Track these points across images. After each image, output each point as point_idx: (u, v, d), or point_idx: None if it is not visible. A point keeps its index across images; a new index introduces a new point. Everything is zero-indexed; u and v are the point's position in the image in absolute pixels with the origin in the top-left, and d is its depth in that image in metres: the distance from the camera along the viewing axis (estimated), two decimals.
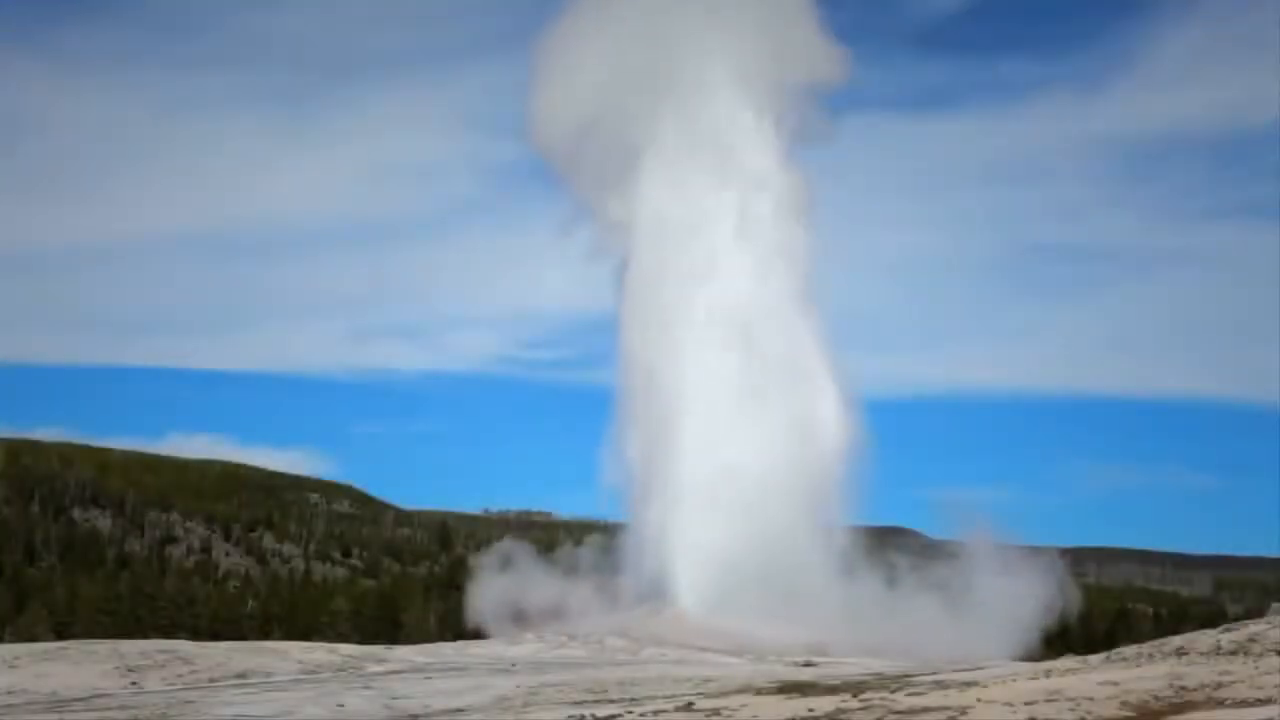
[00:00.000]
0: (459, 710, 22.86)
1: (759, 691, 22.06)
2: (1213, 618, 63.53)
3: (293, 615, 68.81)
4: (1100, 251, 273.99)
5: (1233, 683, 17.53)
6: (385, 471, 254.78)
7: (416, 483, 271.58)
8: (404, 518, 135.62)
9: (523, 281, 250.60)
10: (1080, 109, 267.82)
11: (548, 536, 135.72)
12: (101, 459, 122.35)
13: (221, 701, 24.79)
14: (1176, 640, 22.93)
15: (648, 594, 46.76)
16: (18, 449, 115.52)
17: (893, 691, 19.64)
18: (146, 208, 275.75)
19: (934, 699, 18.34)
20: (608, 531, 55.68)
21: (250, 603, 74.20)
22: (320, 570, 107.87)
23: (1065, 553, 63.60)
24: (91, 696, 26.71)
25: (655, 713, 19.26)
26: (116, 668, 30.23)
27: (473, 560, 64.46)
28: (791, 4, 52.99)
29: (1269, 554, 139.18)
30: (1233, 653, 20.06)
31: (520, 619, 48.24)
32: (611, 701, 22.46)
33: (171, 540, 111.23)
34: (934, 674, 24.60)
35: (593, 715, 19.51)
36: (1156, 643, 23.19)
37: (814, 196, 53.70)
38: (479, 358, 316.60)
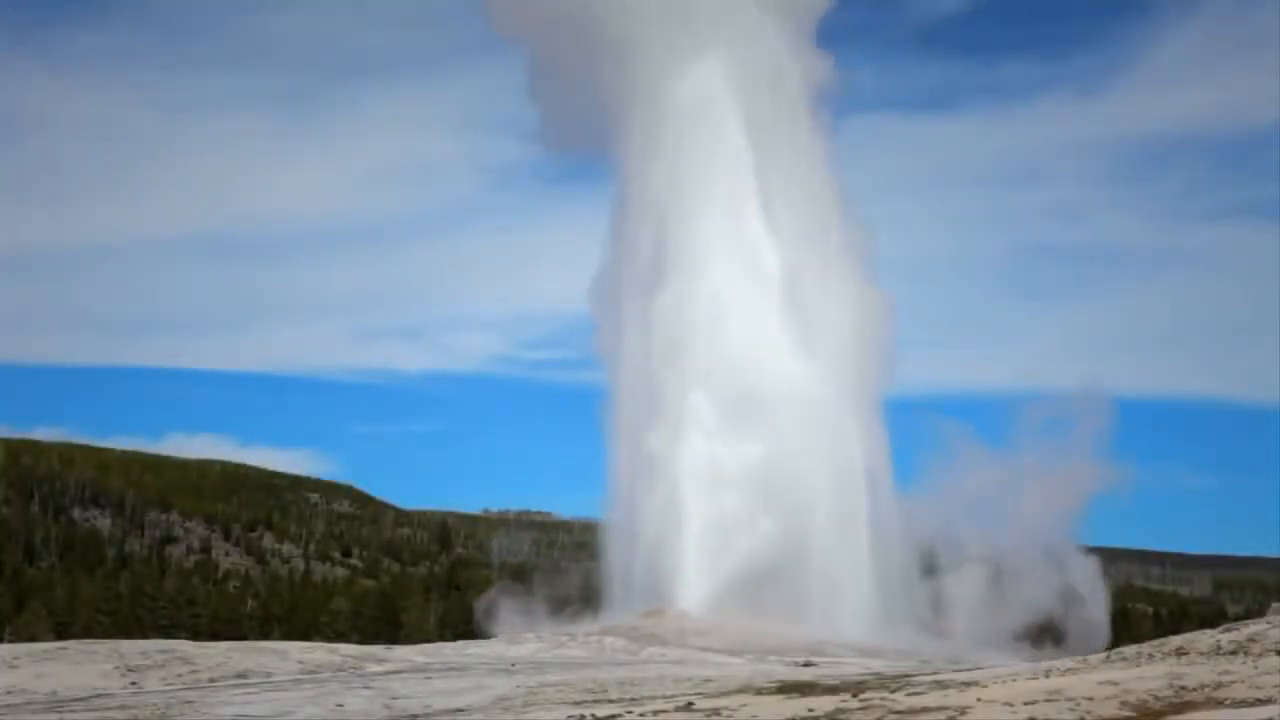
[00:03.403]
0: (459, 710, 22.84)
1: (759, 691, 22.05)
2: (1213, 618, 63.54)
3: (293, 615, 68.88)
4: (1100, 252, 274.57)
5: (1233, 683, 17.51)
6: (385, 471, 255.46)
7: (416, 483, 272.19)
8: (404, 518, 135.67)
9: (523, 281, 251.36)
10: (1081, 110, 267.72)
11: (547, 537, 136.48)
12: (101, 459, 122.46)
13: (221, 701, 24.78)
14: (1176, 640, 22.87)
15: (645, 593, 46.72)
16: (18, 449, 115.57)
17: (893, 691, 19.63)
18: (146, 208, 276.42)
19: (934, 699, 18.33)
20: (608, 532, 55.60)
21: (250, 603, 74.26)
22: (320, 570, 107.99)
23: None
24: (91, 696, 26.68)
25: (655, 713, 19.25)
26: (116, 668, 30.18)
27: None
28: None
29: (1269, 554, 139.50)
30: (1233, 653, 20.03)
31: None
32: (611, 701, 22.45)
33: (171, 540, 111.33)
34: (934, 674, 24.60)
35: (593, 715, 19.50)
36: (1156, 643, 23.13)
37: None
38: (479, 358, 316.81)
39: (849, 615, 45.52)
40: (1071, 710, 16.64)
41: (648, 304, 50.10)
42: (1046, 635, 47.67)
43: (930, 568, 50.36)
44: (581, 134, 54.99)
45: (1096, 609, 49.55)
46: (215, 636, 51.19)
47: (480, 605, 55.33)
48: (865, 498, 49.36)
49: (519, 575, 70.97)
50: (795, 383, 49.24)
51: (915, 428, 56.33)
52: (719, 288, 50.00)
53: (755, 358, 49.20)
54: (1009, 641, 45.61)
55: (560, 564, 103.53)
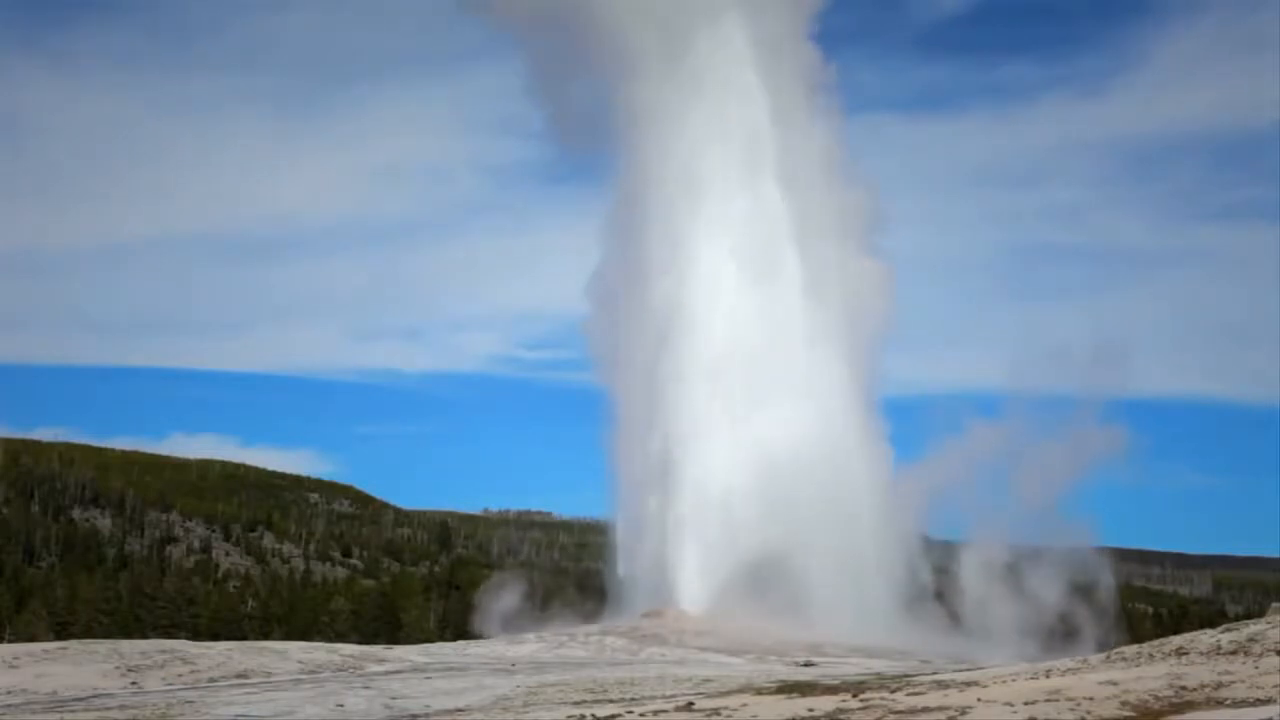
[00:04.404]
0: (459, 710, 22.84)
1: (759, 691, 22.05)
2: (1213, 618, 63.51)
3: (293, 615, 68.84)
4: (1101, 252, 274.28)
5: (1233, 683, 17.51)
6: (385, 471, 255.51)
7: (416, 483, 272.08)
8: (404, 518, 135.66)
9: (523, 281, 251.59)
10: (1082, 111, 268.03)
11: (548, 537, 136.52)
12: (101, 459, 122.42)
13: (221, 701, 24.78)
14: (1176, 640, 22.87)
15: (647, 593, 46.71)
16: (18, 449, 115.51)
17: (893, 691, 19.62)
18: (148, 209, 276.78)
19: (934, 699, 18.32)
20: (608, 531, 55.62)
21: (250, 603, 74.20)
22: (320, 570, 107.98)
23: None
24: (91, 696, 26.69)
25: (655, 713, 19.24)
26: (116, 668, 30.21)
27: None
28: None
29: (1269, 554, 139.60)
30: (1233, 653, 20.02)
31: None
32: (611, 701, 22.45)
33: (171, 540, 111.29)
34: (934, 674, 24.61)
35: (593, 715, 19.50)
36: (1156, 643, 23.13)
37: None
38: (479, 358, 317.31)
39: (849, 614, 45.45)
40: (1072, 710, 16.63)
41: (649, 292, 50.04)
42: (1054, 624, 47.31)
43: (935, 564, 50.26)
44: (583, 124, 55.09)
45: (1103, 593, 49.21)
46: (215, 636, 51.19)
47: (480, 593, 55.21)
48: (865, 494, 49.34)
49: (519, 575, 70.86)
50: (796, 377, 49.28)
51: (915, 425, 56.22)
52: (720, 272, 50.03)
53: (756, 349, 49.19)
54: (1015, 632, 45.46)
55: (560, 564, 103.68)
